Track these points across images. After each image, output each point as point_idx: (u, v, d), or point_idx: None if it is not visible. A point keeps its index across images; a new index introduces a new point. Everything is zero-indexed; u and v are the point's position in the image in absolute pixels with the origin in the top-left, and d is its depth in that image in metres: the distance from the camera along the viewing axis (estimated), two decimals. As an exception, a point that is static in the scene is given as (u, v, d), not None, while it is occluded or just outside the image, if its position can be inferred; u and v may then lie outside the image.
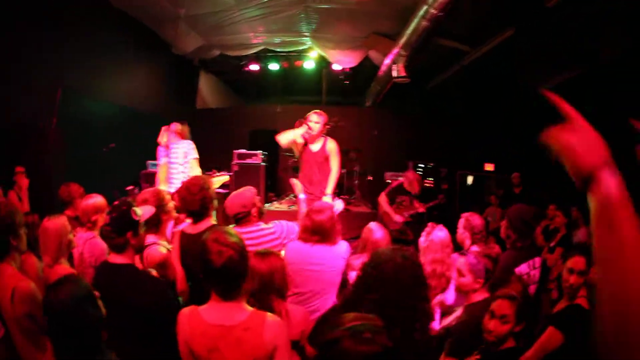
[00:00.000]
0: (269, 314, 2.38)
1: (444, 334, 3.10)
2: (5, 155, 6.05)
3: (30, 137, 6.60)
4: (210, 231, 2.37)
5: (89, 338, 2.15)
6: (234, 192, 3.84)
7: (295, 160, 7.02)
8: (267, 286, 2.76)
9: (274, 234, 3.74)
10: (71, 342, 2.10)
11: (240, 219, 3.70)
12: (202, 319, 2.30)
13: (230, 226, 3.75)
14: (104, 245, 4.08)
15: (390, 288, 2.10)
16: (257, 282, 2.73)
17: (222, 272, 2.22)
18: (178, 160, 6.20)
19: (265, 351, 2.25)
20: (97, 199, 4.24)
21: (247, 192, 3.80)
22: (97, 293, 2.24)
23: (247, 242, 3.37)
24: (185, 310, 2.39)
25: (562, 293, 3.27)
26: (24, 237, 2.96)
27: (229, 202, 3.75)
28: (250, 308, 2.35)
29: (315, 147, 6.07)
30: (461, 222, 4.49)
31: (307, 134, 5.91)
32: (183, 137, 6.24)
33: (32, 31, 6.28)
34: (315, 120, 5.91)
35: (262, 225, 3.79)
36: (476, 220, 4.48)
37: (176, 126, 6.25)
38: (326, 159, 6.09)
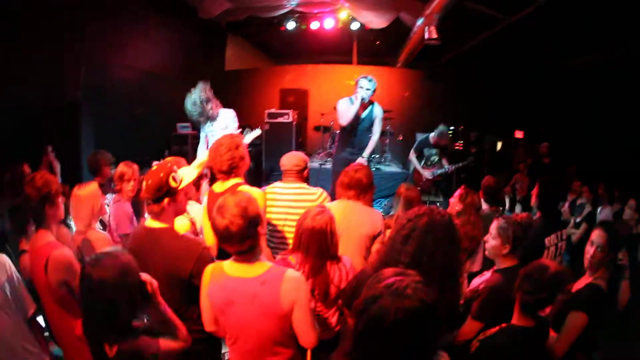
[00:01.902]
0: (289, 269, 2.43)
1: (472, 297, 3.13)
2: (33, 131, 6.16)
3: (58, 110, 6.68)
4: (223, 196, 2.41)
5: (125, 312, 2.15)
6: (289, 153, 4.01)
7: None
8: (324, 241, 2.91)
9: (314, 194, 3.86)
10: (106, 318, 2.11)
11: (288, 173, 3.90)
12: (223, 272, 2.39)
13: (276, 182, 3.95)
14: (127, 208, 4.21)
15: (425, 242, 2.13)
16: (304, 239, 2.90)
17: (226, 236, 2.28)
18: (216, 133, 5.77)
19: (281, 307, 2.29)
20: (123, 167, 4.36)
21: (300, 154, 4.00)
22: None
23: (285, 197, 3.74)
24: (210, 265, 2.47)
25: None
26: (61, 206, 3.04)
27: (284, 158, 3.95)
28: (269, 263, 2.41)
29: (361, 111, 6.08)
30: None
31: (364, 101, 5.93)
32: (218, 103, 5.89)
33: (55, 3, 6.25)
34: (367, 86, 5.90)
35: (307, 185, 3.94)
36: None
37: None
38: (371, 123, 6.16)
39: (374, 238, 3.60)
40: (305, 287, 2.43)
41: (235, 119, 5.87)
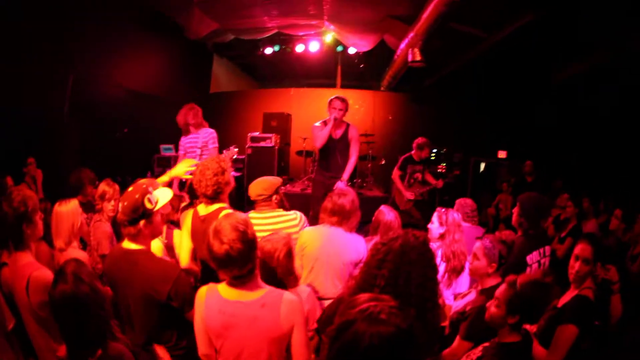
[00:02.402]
0: (286, 292, 2.40)
1: (458, 318, 3.11)
2: (17, 143, 6.10)
3: (43, 124, 6.63)
4: (217, 220, 2.38)
5: (95, 324, 2.18)
6: (260, 178, 3.90)
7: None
8: (275, 267, 2.82)
9: (294, 219, 3.77)
10: (76, 329, 2.14)
11: (258, 201, 3.78)
12: (219, 296, 2.34)
13: (251, 212, 3.83)
14: (106, 228, 4.16)
15: (399, 265, 2.10)
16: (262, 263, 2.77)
17: (226, 261, 2.24)
18: (196, 151, 5.98)
19: (281, 330, 2.27)
20: (104, 186, 4.33)
21: (272, 179, 3.87)
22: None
23: (261, 227, 3.50)
24: (204, 288, 2.42)
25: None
26: (40, 223, 2.95)
27: (252, 185, 3.83)
28: (267, 286, 2.38)
29: (337, 132, 6.07)
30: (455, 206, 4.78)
31: (335, 119, 5.93)
32: (202, 123, 6.05)
33: (43, 18, 6.25)
34: (339, 107, 5.90)
35: (282, 211, 3.83)
36: (467, 201, 4.90)
37: (195, 111, 6.01)
38: (347, 145, 6.11)
39: (357, 265, 3.49)
40: (303, 309, 2.42)
41: (215, 140, 5.92)
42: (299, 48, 12.03)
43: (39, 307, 2.66)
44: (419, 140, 7.53)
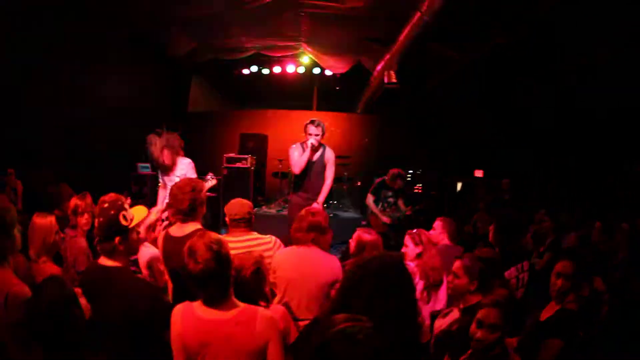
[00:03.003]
0: (261, 308, 2.42)
1: (442, 337, 3.11)
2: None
3: (22, 139, 6.56)
4: (191, 238, 2.41)
5: (72, 339, 2.17)
6: (232, 201, 3.85)
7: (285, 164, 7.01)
8: (243, 285, 2.74)
9: (268, 243, 3.76)
10: (54, 344, 2.12)
11: (234, 222, 3.73)
12: (195, 314, 2.34)
13: (226, 235, 3.79)
14: (82, 244, 4.10)
15: (377, 286, 2.07)
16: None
17: (201, 280, 2.27)
18: (173, 180, 5.80)
19: (257, 345, 2.28)
20: (76, 201, 4.27)
21: (243, 201, 3.84)
22: (78, 290, 2.25)
23: (237, 251, 3.32)
24: (179, 306, 2.42)
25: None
26: (18, 236, 2.86)
27: (228, 205, 3.79)
28: (241, 304, 2.38)
29: (313, 155, 6.07)
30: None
31: (313, 147, 5.93)
32: (176, 156, 5.79)
33: (21, 29, 6.23)
34: (315, 132, 5.91)
35: (256, 234, 3.82)
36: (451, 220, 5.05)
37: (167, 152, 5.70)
38: (324, 167, 6.12)
39: (332, 285, 3.43)
40: (278, 324, 2.42)
41: (194, 170, 5.82)
42: (277, 69, 12.11)
43: (17, 323, 2.59)
44: (393, 171, 7.64)
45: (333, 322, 1.56)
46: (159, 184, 6.11)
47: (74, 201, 4.27)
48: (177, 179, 5.66)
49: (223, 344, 2.28)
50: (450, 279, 3.24)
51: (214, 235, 2.47)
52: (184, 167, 5.75)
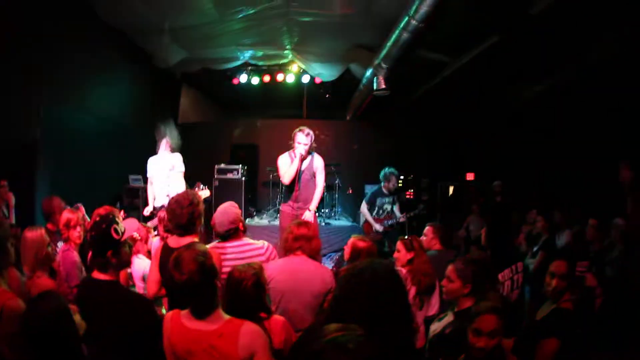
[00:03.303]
0: (246, 321, 2.43)
1: (437, 341, 3.11)
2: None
3: (14, 151, 6.53)
4: (177, 251, 2.48)
5: (67, 353, 2.19)
6: (220, 209, 3.86)
7: (276, 174, 7.03)
8: (243, 297, 2.78)
9: (261, 248, 3.78)
10: (50, 357, 2.12)
11: (229, 235, 3.76)
12: (181, 322, 2.41)
13: (215, 242, 3.83)
14: (75, 258, 4.09)
15: (369, 295, 2.09)
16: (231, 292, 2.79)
17: (186, 291, 2.35)
18: (163, 172, 6.17)
19: (240, 357, 2.32)
20: (68, 214, 4.25)
21: (233, 209, 3.85)
22: (74, 307, 2.25)
23: (233, 256, 3.55)
24: (169, 313, 2.50)
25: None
26: (11, 250, 2.91)
27: (218, 220, 3.79)
28: (226, 316, 2.43)
29: (302, 164, 6.09)
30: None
31: (302, 156, 5.96)
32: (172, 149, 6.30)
33: (13, 44, 6.23)
34: (304, 141, 5.92)
35: (249, 240, 3.85)
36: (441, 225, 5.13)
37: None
38: (313, 175, 6.14)
39: (325, 295, 3.47)
40: (264, 336, 2.45)
41: (182, 164, 6.08)
42: (266, 79, 12.13)
43: (13, 336, 2.58)
44: (385, 170, 7.67)
45: (324, 332, 1.58)
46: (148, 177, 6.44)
47: (66, 214, 4.25)
48: (167, 173, 5.97)
49: (206, 355, 2.33)
50: (445, 283, 3.25)
51: (200, 246, 2.54)
52: (174, 159, 6.29)
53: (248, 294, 2.77)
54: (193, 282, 2.31)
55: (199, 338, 2.34)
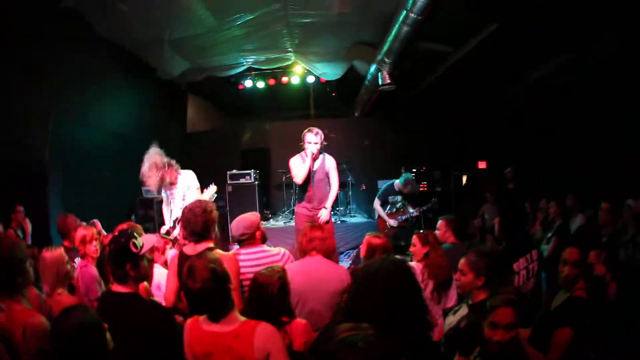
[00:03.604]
0: (261, 322, 2.52)
1: (452, 334, 3.10)
2: (1, 191, 6.09)
3: (25, 169, 6.62)
4: (191, 259, 2.61)
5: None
6: (240, 216, 3.96)
7: (288, 176, 7.03)
8: (268, 301, 2.86)
9: (277, 255, 3.85)
10: None
11: (243, 240, 3.85)
12: (200, 326, 2.52)
13: (235, 248, 3.90)
14: (93, 272, 4.15)
15: (383, 292, 2.12)
16: (256, 297, 2.89)
17: (199, 298, 2.48)
18: (178, 195, 5.84)
19: (256, 358, 2.42)
20: (82, 231, 4.31)
21: (252, 216, 3.95)
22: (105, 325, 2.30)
23: (248, 263, 3.64)
24: (190, 320, 2.62)
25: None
26: (30, 270, 2.97)
27: (233, 225, 3.91)
28: (242, 318, 2.54)
29: (314, 164, 6.11)
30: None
31: (313, 155, 5.98)
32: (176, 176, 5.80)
33: (21, 63, 6.34)
34: (314, 140, 5.94)
35: (266, 247, 3.92)
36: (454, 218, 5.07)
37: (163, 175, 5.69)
38: (326, 175, 6.17)
39: (342, 293, 3.50)
40: (278, 336, 2.53)
41: (195, 180, 5.88)
42: (271, 82, 12.16)
43: (36, 353, 2.64)
44: (407, 176, 7.72)
45: (337, 331, 1.62)
46: (163, 202, 6.18)
47: (81, 232, 4.32)
48: (180, 194, 5.82)
49: (223, 355, 2.44)
50: (458, 276, 3.24)
51: (211, 255, 2.66)
52: (187, 179, 5.82)
53: (273, 299, 2.86)
54: (207, 289, 2.42)
55: (216, 340, 2.45)
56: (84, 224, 4.96)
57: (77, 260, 4.34)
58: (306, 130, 6.03)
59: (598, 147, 7.84)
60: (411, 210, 7.69)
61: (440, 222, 4.99)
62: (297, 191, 8.31)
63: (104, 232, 4.92)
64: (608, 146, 7.50)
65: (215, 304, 2.48)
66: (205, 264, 2.47)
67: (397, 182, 7.65)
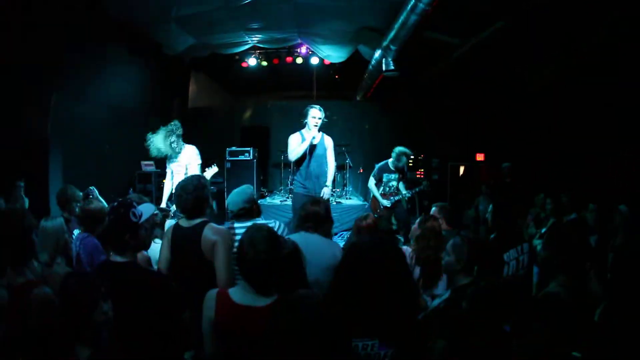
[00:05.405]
0: None
1: (432, 315, 3.17)
2: (2, 165, 6.13)
3: (26, 142, 6.65)
4: (198, 228, 2.83)
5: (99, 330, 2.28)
6: (236, 190, 4.02)
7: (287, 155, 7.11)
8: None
9: (274, 227, 3.82)
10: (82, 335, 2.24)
11: (242, 215, 3.91)
12: (230, 299, 2.51)
13: (229, 222, 3.94)
14: (95, 242, 4.20)
15: (373, 270, 2.13)
16: None
17: (255, 270, 2.46)
18: (180, 169, 6.20)
19: None
20: (92, 205, 4.31)
21: (248, 189, 4.02)
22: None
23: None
24: (212, 293, 2.59)
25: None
26: (35, 241, 3.01)
27: (230, 200, 3.96)
28: (276, 294, 2.52)
29: (313, 140, 6.20)
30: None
31: (315, 132, 6.10)
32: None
33: (21, 38, 6.31)
34: (319, 115, 6.09)
35: (261, 220, 3.98)
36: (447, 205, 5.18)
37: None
38: (324, 154, 6.30)
39: (334, 269, 3.57)
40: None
41: (198, 156, 6.08)
42: (275, 62, 12.15)
43: (44, 322, 2.69)
44: (398, 149, 7.70)
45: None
46: (164, 179, 6.33)
47: (89, 208, 4.34)
48: (184, 168, 6.01)
49: (257, 329, 2.33)
50: (443, 255, 3.32)
51: (265, 226, 2.70)
52: (190, 153, 6.21)
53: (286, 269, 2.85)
54: (266, 262, 2.44)
55: (251, 314, 2.44)
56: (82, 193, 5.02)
57: (76, 231, 4.41)
58: (309, 106, 6.18)
59: (596, 142, 7.90)
60: (404, 191, 7.76)
61: (434, 209, 5.07)
62: (294, 170, 8.43)
63: (101, 198, 4.97)
64: (607, 142, 7.56)
65: (269, 278, 2.49)
66: (265, 235, 2.50)
67: (391, 160, 7.71)
